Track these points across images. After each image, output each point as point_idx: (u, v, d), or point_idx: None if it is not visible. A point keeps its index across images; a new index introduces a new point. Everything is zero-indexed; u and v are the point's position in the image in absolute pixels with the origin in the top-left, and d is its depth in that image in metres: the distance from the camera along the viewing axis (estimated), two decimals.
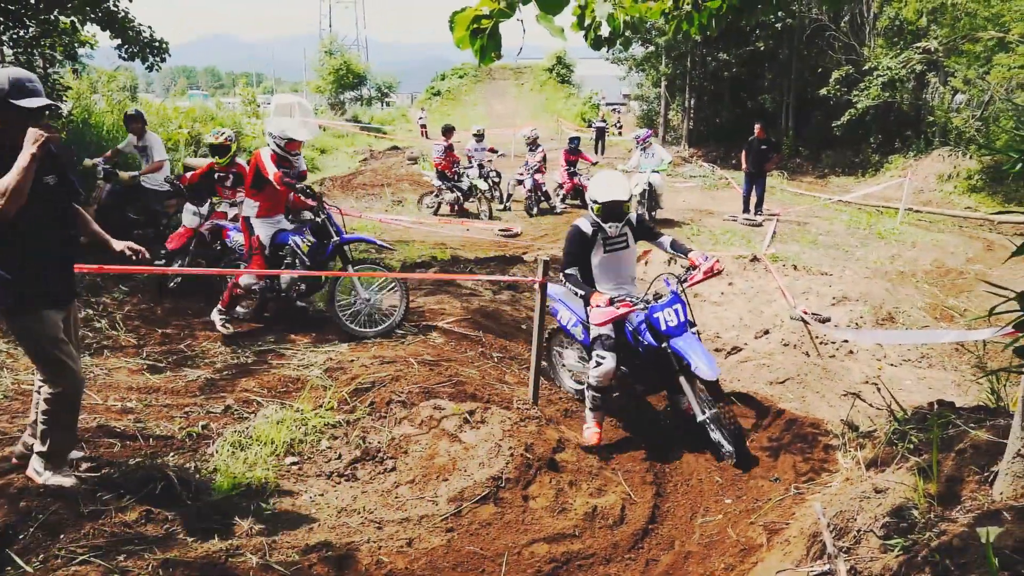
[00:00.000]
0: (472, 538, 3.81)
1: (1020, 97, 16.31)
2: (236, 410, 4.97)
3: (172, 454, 4.28)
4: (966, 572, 2.34)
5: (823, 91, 22.65)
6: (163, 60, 10.75)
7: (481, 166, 15.08)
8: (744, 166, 14.01)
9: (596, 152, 26.52)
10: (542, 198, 14.99)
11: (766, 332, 7.12)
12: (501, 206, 15.10)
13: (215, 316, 6.58)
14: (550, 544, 3.81)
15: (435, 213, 14.69)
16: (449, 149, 14.55)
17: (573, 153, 15.29)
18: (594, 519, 4.05)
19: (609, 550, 3.84)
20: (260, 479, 4.08)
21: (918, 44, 19.42)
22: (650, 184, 12.75)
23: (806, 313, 7.23)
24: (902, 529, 2.93)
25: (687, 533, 4.11)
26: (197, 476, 4.04)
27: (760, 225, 13.44)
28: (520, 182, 15.10)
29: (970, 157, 18.36)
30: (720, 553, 3.84)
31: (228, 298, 6.55)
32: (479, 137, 15.61)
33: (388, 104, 48.85)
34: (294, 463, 4.39)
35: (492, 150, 15.75)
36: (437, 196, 14.72)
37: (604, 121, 29.35)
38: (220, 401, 5.12)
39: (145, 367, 5.74)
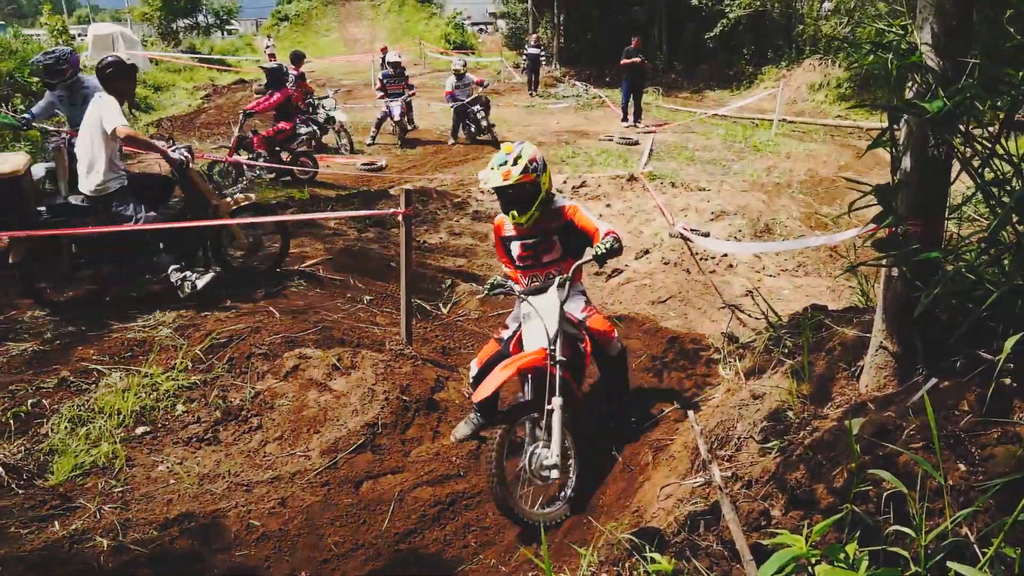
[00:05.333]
0: (350, 490, 3.79)
1: None
2: (73, 382, 4.66)
3: None
4: (835, 464, 2.53)
5: (695, 1, 23.15)
6: None
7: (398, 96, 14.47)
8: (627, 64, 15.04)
9: (530, 88, 22.68)
10: (408, 125, 14.80)
11: (646, 252, 7.36)
12: (370, 140, 14.60)
13: None
14: (434, 487, 3.86)
15: None
16: (300, 79, 13.92)
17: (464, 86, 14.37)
18: (479, 457, 4.12)
19: None
20: (107, 455, 3.89)
21: None
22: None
23: (685, 229, 7.51)
24: (779, 431, 3.14)
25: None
26: (29, 461, 3.79)
27: (637, 143, 13.77)
28: (387, 115, 14.57)
29: (839, 65, 19.38)
30: (610, 477, 4.00)
31: None
32: (394, 65, 14.92)
33: (230, 32, 46.02)
34: (146, 433, 4.20)
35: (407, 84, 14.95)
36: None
37: (539, 47, 23.41)
38: (53, 375, 4.78)
39: None
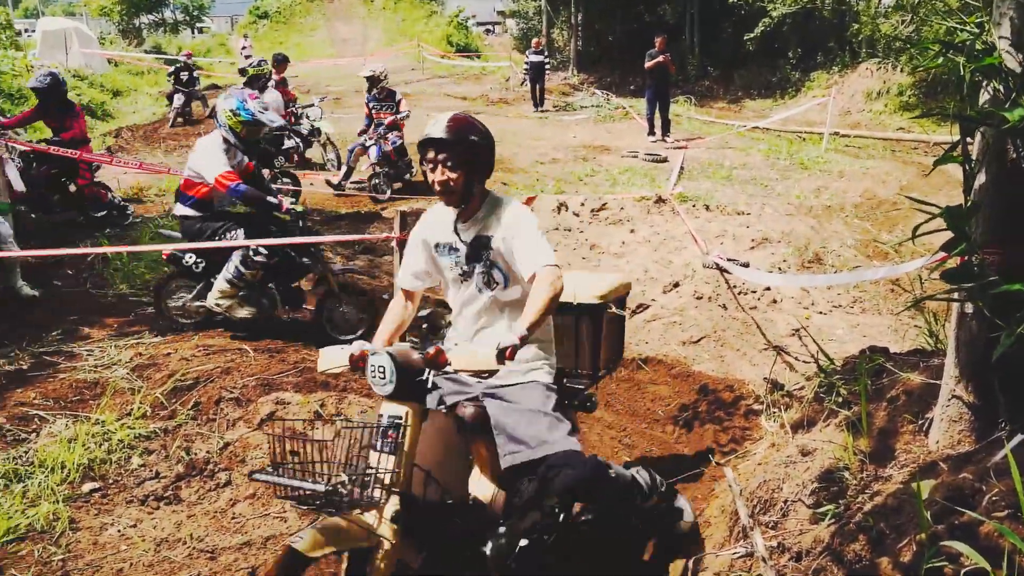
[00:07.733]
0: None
1: None
2: (9, 431, 4.65)
3: None
4: (902, 534, 2.49)
5: None
6: None
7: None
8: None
9: (535, 101, 21.68)
10: (403, 168, 12.41)
11: (676, 285, 7.33)
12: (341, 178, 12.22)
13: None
14: None
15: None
16: (282, 84, 14.12)
17: None
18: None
19: None
20: (47, 516, 3.86)
21: None
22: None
23: (721, 259, 7.49)
24: (833, 494, 3.09)
25: None
26: None
27: (665, 160, 13.83)
28: (364, 148, 12.17)
29: (901, 69, 19.44)
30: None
31: None
32: (372, 80, 12.36)
33: (201, 31, 46.80)
34: (95, 490, 4.17)
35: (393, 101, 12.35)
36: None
37: (542, 52, 21.69)
38: None
39: None
